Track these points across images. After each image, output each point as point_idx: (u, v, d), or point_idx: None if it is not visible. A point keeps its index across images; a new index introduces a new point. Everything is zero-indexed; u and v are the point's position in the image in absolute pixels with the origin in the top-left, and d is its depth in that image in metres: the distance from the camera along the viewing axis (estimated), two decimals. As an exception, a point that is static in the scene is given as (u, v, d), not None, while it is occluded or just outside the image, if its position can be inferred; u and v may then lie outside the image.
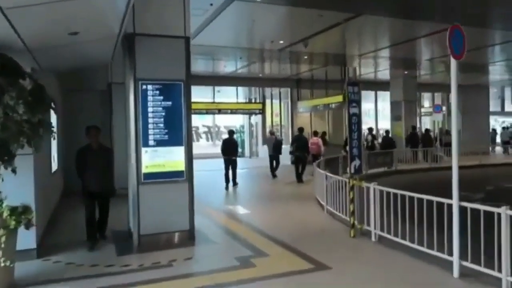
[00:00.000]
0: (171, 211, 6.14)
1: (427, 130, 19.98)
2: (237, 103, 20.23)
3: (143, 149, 6.00)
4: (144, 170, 5.99)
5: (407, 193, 5.55)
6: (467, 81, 22.05)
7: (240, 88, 20.82)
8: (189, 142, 6.23)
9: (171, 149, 6.14)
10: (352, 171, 6.38)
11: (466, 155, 19.64)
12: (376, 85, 21.37)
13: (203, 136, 28.82)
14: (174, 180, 6.16)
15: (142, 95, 5.98)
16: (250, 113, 21.68)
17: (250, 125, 25.33)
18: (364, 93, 22.20)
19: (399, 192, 5.72)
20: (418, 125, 21.76)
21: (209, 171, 17.96)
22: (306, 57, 14.17)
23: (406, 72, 18.53)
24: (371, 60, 15.73)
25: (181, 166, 6.21)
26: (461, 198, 4.69)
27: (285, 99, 21.34)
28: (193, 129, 29.38)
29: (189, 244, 6.14)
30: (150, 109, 6.03)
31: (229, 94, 21.63)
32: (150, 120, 6.03)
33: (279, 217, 8.04)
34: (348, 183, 6.49)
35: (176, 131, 6.17)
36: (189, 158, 6.26)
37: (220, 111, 19.48)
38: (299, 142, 12.79)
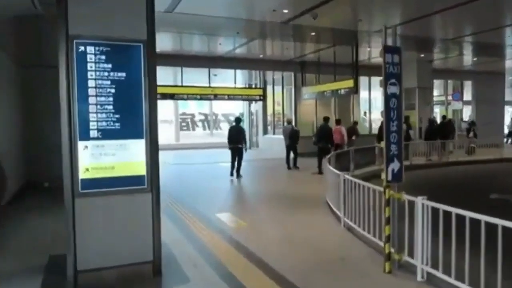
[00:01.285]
0: (125, 235, 4.19)
1: (450, 120, 18.01)
2: (236, 88, 18.19)
3: (81, 144, 4.01)
4: (82, 175, 4.02)
5: (476, 215, 3.60)
6: (482, 67, 20.02)
7: (238, 73, 18.75)
8: (153, 134, 4.26)
9: (125, 143, 4.16)
10: (390, 177, 4.40)
11: (487, 147, 17.81)
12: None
13: (200, 124, 26.85)
14: (129, 190, 4.20)
15: (79, 61, 3.97)
16: (249, 99, 19.63)
17: (250, 113, 23.34)
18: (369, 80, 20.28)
19: (466, 213, 3.73)
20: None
21: (203, 164, 16.05)
22: (313, 33, 12.09)
23: (422, 55, 16.44)
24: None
25: (140, 169, 4.23)
26: None
27: (288, 85, 19.31)
28: (188, 116, 27.67)
29: (152, 284, 4.22)
30: (91, 83, 4.03)
31: (226, 79, 19.58)
32: (92, 100, 4.03)
33: (282, 235, 6.09)
34: (384, 195, 4.52)
35: (133, 117, 4.18)
36: (153, 157, 4.29)
37: (216, 97, 17.44)
38: (323, 132, 12.04)
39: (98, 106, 4.06)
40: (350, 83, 14.14)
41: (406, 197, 4.41)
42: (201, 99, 17.63)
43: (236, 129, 11.54)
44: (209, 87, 17.36)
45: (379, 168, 7.66)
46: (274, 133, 20.37)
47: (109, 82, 4.09)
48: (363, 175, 10.65)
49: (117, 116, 4.12)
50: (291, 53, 16.20)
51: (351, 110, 20.22)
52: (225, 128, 27.49)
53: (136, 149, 4.21)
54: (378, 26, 11.50)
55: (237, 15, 10.33)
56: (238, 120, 12.20)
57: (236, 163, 11.38)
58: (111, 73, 4.09)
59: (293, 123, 14.52)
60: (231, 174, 11.44)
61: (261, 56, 16.43)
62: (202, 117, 26.98)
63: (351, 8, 9.98)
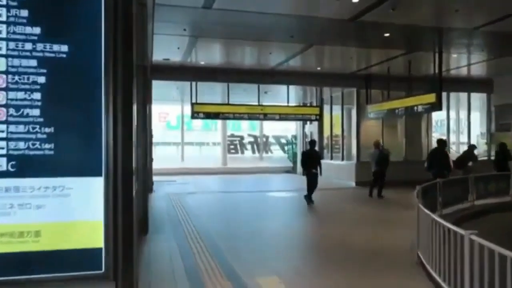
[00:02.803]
0: None
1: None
2: (288, 106, 15.98)
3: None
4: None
5: None
6: None
7: (291, 89, 16.56)
8: (125, 166, 2.16)
9: (63, 185, 2.08)
10: None
11: None
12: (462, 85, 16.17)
13: (249, 147, 24.90)
14: (69, 279, 2.08)
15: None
16: (304, 119, 17.23)
17: (304, 135, 21.01)
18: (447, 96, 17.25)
19: None
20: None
21: (252, 192, 13.91)
22: (387, 34, 9.66)
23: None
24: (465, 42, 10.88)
25: (93, 237, 2.11)
26: None
27: (348, 104, 16.86)
28: (237, 139, 25.81)
29: None
30: (-9, 64, 2.03)
31: (278, 97, 17.50)
32: (-6, 98, 2.03)
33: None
34: None
35: (83, 135, 2.11)
36: (126, 212, 2.16)
37: (266, 116, 15.34)
38: (437, 156, 10.25)
39: (11, 111, 2.02)
40: (431, 97, 11.42)
41: None
42: (249, 118, 15.60)
43: (311, 153, 11.01)
44: (259, 105, 15.33)
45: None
46: (331, 158, 17.86)
47: (34, 63, 2.06)
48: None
49: (48, 130, 2.06)
50: (354, 65, 13.81)
51: (422, 132, 17.27)
52: (275, 151, 25.38)
53: (87, 197, 2.10)
54: (475, 21, 8.88)
55: (291, 10, 8.23)
56: (313, 143, 11.37)
57: (319, 187, 10.86)
58: (39, 45, 2.06)
59: (382, 145, 12.32)
60: (309, 203, 10.70)
61: (318, 68, 14.17)
62: (252, 139, 25.02)
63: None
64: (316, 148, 12.03)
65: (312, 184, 10.73)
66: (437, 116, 18.69)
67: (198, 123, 22.87)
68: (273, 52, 11.96)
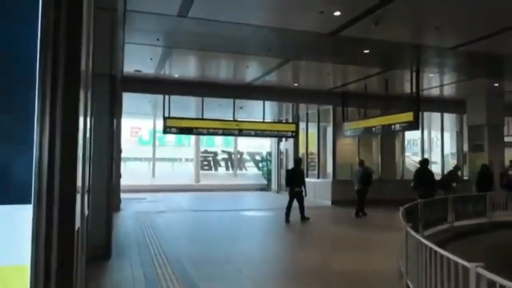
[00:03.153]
0: None
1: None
2: (264, 122, 15.63)
3: None
4: None
5: None
6: None
7: (268, 106, 16.24)
8: (64, 193, 1.63)
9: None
10: None
11: None
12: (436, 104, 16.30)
13: (222, 164, 24.31)
14: None
15: None
16: (279, 136, 16.90)
17: (279, 152, 20.68)
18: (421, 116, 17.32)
19: None
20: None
21: (226, 211, 13.24)
22: (367, 51, 9.48)
23: (496, 84, 13.50)
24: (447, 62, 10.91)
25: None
26: None
27: (324, 121, 16.69)
28: (210, 155, 25.18)
29: None
30: None
31: (252, 113, 17.16)
32: None
33: None
34: None
35: (6, 146, 1.57)
36: (62, 257, 1.61)
37: (241, 132, 14.90)
38: (424, 177, 9.97)
39: None
40: (408, 116, 11.32)
41: None
42: (223, 134, 15.16)
43: (296, 171, 11.04)
44: (234, 120, 14.90)
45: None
46: (307, 176, 17.51)
47: None
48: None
49: None
50: (331, 82, 13.65)
51: (397, 151, 17.27)
52: (250, 168, 24.89)
53: (9, 231, 1.55)
54: (453, 41, 8.81)
55: (268, 22, 7.89)
56: (298, 161, 11.56)
57: (296, 206, 10.67)
58: None
59: (364, 164, 12.03)
60: (287, 221, 10.56)
61: (295, 84, 13.93)
62: (226, 156, 24.48)
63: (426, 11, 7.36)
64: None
65: (299, 202, 10.69)
66: (410, 136, 18.81)
67: (171, 138, 22.34)
68: (250, 66, 11.65)
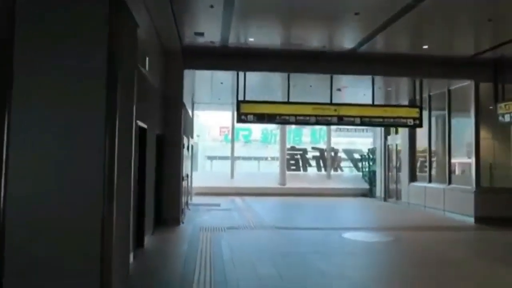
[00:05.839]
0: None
1: None
2: (374, 105, 11.27)
3: None
4: None
5: None
6: None
7: (376, 82, 11.76)
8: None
9: None
10: None
11: None
12: None
13: (313, 163, 20.42)
14: None
15: None
16: (395, 124, 12.16)
17: (386, 148, 16.21)
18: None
19: None
20: None
21: (318, 229, 8.94)
22: None
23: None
24: None
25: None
26: None
27: (458, 106, 11.98)
28: (298, 152, 21.34)
29: None
30: None
31: (356, 97, 12.99)
32: None
33: None
34: None
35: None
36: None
37: (341, 120, 10.90)
38: None
39: None
40: None
41: None
42: (317, 123, 11.12)
43: None
44: (332, 103, 10.94)
45: None
46: (430, 181, 12.93)
47: None
48: None
49: None
50: (471, 43, 9.10)
51: None
52: (346, 169, 20.65)
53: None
54: None
55: None
56: None
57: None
58: None
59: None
60: None
61: (424, 47, 9.50)
62: (317, 153, 20.49)
63: None
64: None
65: None
66: None
67: (257, 135, 21.13)
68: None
